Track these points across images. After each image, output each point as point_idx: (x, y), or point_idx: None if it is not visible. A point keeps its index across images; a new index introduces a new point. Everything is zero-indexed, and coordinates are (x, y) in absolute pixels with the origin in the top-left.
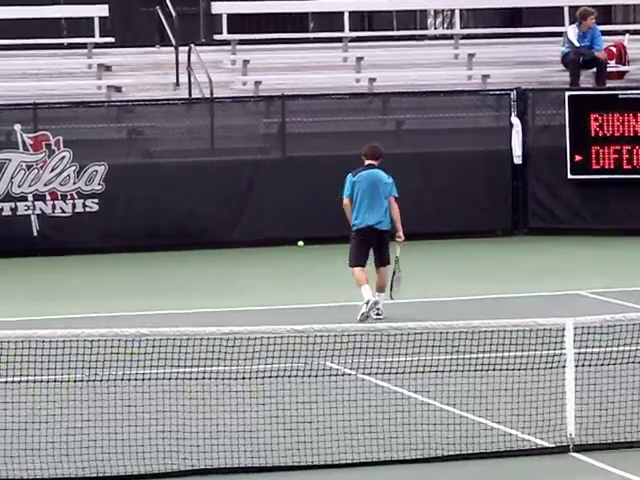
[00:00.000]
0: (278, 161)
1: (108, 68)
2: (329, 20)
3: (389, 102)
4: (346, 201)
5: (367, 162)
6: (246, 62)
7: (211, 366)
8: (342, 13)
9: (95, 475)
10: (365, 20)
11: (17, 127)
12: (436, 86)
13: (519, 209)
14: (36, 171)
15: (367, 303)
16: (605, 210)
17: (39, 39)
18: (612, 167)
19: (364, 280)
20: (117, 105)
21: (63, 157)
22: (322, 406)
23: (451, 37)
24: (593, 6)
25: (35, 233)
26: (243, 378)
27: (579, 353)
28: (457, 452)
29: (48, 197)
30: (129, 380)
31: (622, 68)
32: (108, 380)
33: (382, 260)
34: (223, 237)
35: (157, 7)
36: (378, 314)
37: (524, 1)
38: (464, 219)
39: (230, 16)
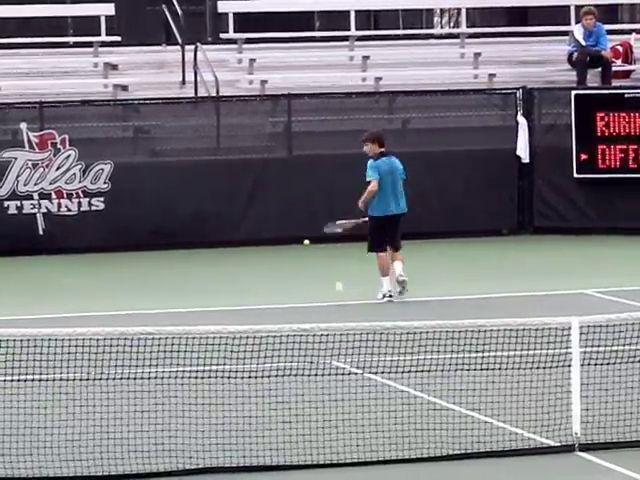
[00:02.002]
0: (284, 160)
1: (114, 67)
2: (335, 19)
3: (395, 101)
4: (375, 183)
5: (379, 150)
6: (252, 61)
7: (217, 365)
8: (348, 12)
9: (100, 474)
10: (371, 19)
11: (23, 126)
12: (442, 85)
13: (525, 208)
14: (42, 170)
15: (384, 295)
16: (611, 209)
17: (45, 38)
18: (618, 166)
19: (387, 270)
20: (123, 104)
21: (69, 156)
22: (328, 405)
23: (457, 36)
24: (599, 5)
25: (41, 232)
26: (249, 377)
27: (585, 352)
28: (462, 451)
29: (54, 196)
30: (135, 379)
31: (628, 67)
32: (114, 379)
33: (399, 244)
34: (229, 236)
35: (163, 6)
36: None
37: (530, 0)
38: (470, 218)
39: (236, 15)
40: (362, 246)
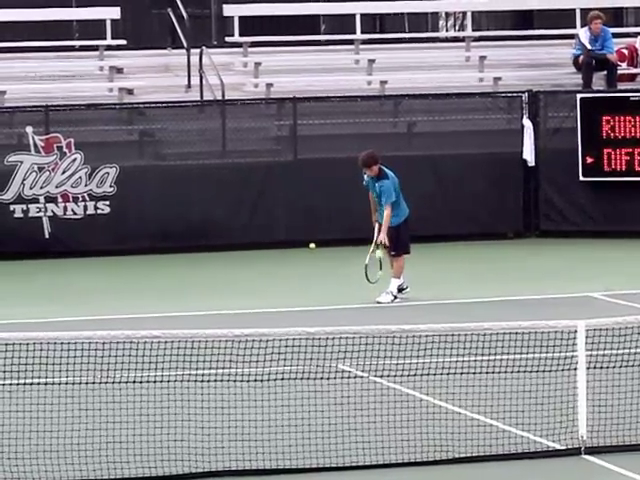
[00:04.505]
0: (289, 163)
1: (120, 70)
2: (341, 22)
3: (400, 104)
4: (390, 207)
5: (379, 166)
6: (258, 64)
7: (223, 368)
8: (354, 15)
9: (106, 477)
10: (377, 22)
11: (29, 129)
12: (447, 88)
13: (530, 211)
14: (48, 173)
15: (395, 297)
16: (617, 212)
17: (51, 41)
18: (624, 169)
19: None
20: (128, 107)
21: (74, 159)
22: (334, 408)
23: (462, 39)
24: (604, 9)
25: (47, 235)
26: (255, 380)
27: (591, 355)
28: (468, 454)
29: (60, 199)
30: (141, 382)
31: (633, 70)
32: (120, 382)
33: None
34: (235, 239)
35: (169, 9)
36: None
37: (536, 3)
38: (475, 221)
39: (242, 18)
40: (366, 249)
